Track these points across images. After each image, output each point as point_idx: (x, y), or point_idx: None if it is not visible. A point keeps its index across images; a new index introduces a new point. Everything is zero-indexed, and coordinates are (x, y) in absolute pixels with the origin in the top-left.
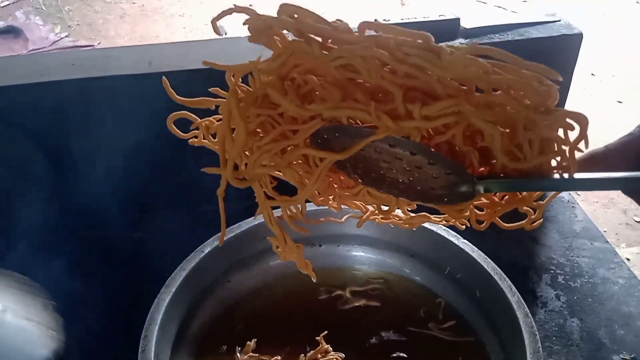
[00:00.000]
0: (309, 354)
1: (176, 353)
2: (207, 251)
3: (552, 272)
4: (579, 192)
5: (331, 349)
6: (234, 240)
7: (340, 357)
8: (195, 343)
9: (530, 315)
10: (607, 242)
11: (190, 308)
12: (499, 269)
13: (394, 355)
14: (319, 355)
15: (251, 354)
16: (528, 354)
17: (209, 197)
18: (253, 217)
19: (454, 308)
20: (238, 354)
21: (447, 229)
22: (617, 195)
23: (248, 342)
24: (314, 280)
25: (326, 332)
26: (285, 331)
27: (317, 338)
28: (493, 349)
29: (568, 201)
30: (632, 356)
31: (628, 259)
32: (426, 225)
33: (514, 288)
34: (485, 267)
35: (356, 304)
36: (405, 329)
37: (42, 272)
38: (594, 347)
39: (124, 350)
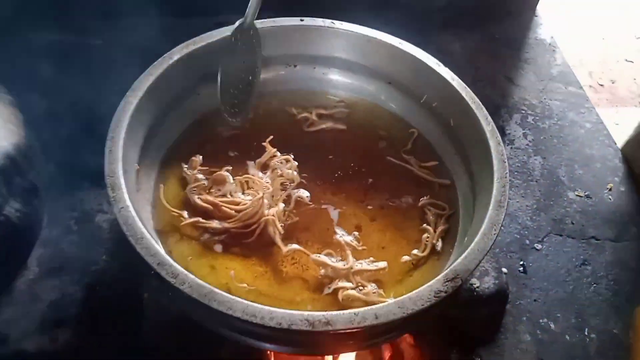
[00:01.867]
0: (258, 160)
1: (143, 158)
2: (175, 58)
3: (523, 112)
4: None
5: (279, 153)
6: (206, 51)
7: (289, 158)
8: (162, 150)
9: (502, 144)
10: (582, 87)
11: (157, 115)
12: (476, 99)
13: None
14: (268, 159)
15: (199, 167)
16: (495, 179)
17: (177, 8)
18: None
19: (425, 138)
20: (186, 170)
21: (428, 55)
22: (586, 56)
23: (193, 158)
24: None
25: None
26: (249, 146)
27: (263, 144)
28: (458, 176)
29: (549, 44)
30: (587, 193)
31: None
32: (409, 50)
33: (489, 118)
34: (464, 95)
35: (323, 126)
36: (368, 154)
37: None
38: (552, 184)
39: (88, 154)
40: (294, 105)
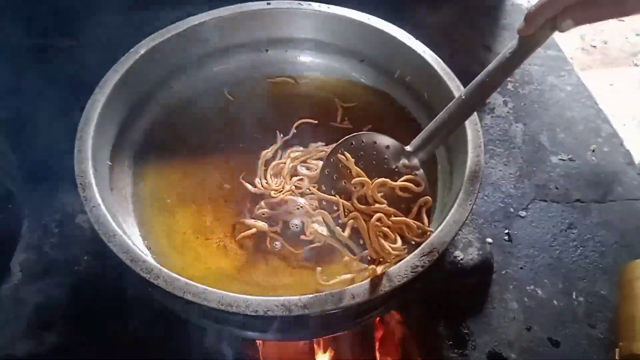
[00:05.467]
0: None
1: (117, 155)
2: (142, 52)
3: None
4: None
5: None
6: (173, 42)
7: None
8: (137, 146)
9: (475, 114)
10: (561, 50)
11: (130, 112)
12: (448, 69)
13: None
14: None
15: None
16: (469, 149)
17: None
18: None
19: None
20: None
21: (399, 29)
22: None
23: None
24: None
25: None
26: (230, 136)
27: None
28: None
29: (525, 9)
30: (570, 157)
31: None
32: (378, 25)
33: (462, 87)
34: (435, 66)
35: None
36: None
37: None
38: (534, 149)
39: (66, 156)
40: (268, 91)
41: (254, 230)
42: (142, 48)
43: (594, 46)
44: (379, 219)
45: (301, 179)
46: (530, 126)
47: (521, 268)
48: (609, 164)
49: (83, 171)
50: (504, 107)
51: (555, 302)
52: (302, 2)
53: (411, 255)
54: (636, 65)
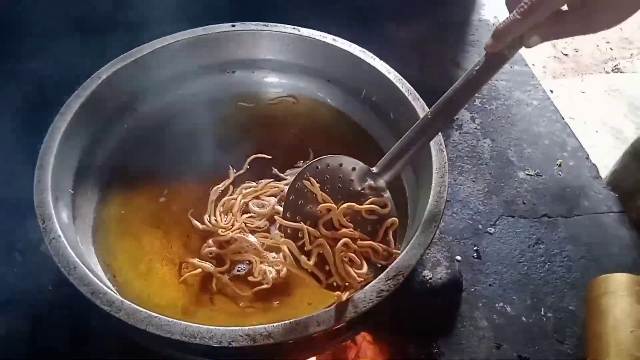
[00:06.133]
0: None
1: (80, 182)
2: (103, 78)
3: None
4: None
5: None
6: (136, 66)
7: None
8: (101, 171)
9: (440, 134)
10: (527, 65)
11: (93, 137)
12: (413, 89)
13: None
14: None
15: None
16: (434, 170)
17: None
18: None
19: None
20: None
21: (363, 49)
22: None
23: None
24: None
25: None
26: (198, 161)
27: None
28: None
29: (493, 24)
30: (537, 172)
31: (552, 91)
32: (343, 47)
33: (426, 107)
34: (400, 87)
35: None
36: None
37: None
38: (502, 165)
39: (29, 183)
40: (235, 111)
41: (199, 270)
42: (104, 73)
43: (566, 54)
44: (345, 244)
45: (252, 217)
46: (497, 142)
47: (490, 285)
48: (574, 178)
49: (42, 201)
50: (471, 123)
51: (524, 318)
52: (267, 24)
53: (376, 279)
54: (607, 72)
